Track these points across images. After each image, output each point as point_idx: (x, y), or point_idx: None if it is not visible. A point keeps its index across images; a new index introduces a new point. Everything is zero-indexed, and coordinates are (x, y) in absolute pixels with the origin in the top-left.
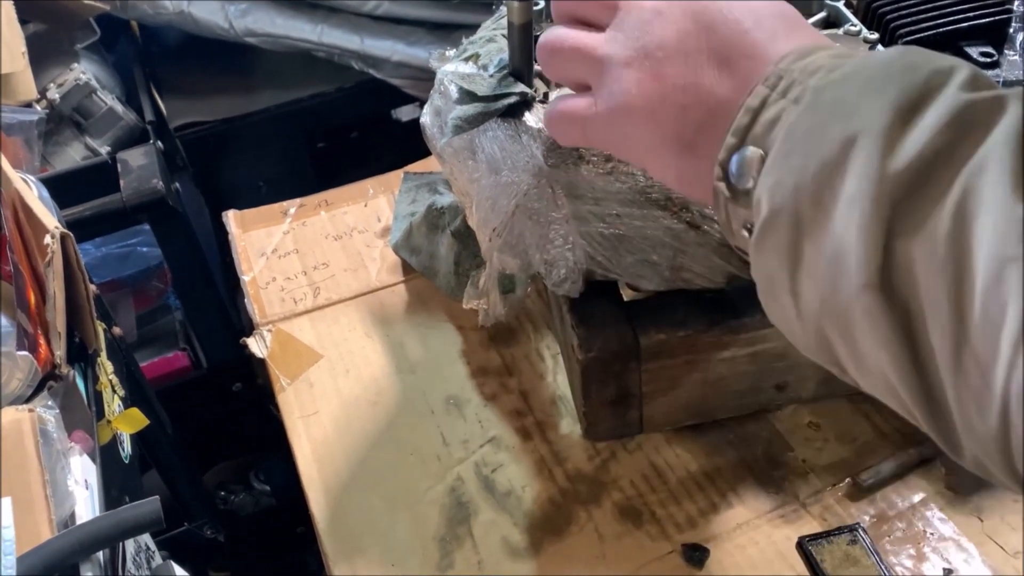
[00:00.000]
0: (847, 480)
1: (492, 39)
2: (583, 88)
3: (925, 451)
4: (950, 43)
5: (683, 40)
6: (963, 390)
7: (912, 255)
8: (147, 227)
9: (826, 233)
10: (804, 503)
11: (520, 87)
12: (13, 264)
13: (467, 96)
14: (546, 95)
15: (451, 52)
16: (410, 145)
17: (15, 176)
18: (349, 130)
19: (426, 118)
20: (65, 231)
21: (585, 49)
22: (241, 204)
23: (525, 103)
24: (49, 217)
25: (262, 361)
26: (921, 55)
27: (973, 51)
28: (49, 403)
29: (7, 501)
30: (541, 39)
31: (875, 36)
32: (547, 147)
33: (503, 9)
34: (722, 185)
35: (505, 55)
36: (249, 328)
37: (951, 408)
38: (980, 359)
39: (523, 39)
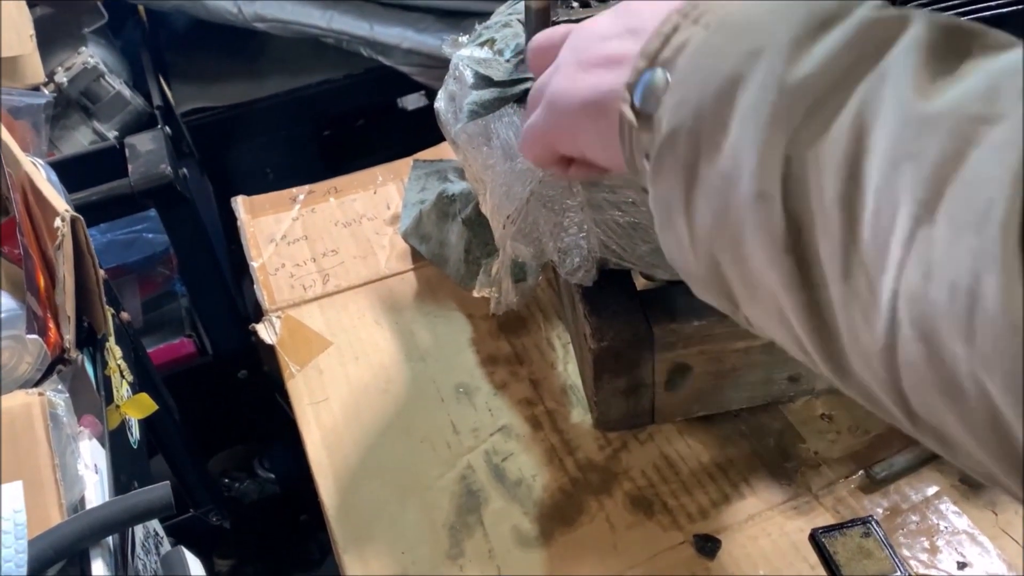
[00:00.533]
0: (860, 472)
1: (508, 24)
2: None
3: None
4: None
5: (604, 29)
6: (851, 301)
7: (806, 165)
8: (153, 213)
9: (723, 148)
10: (817, 495)
11: None
12: (23, 247)
13: (483, 81)
14: None
15: (464, 38)
16: (417, 133)
17: (25, 159)
18: (357, 117)
19: (440, 103)
20: (75, 214)
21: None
22: (247, 190)
23: None
24: (59, 200)
25: (270, 347)
26: None
27: None
28: (59, 387)
29: (18, 485)
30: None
31: None
32: None
33: None
34: (628, 110)
35: (521, 40)
36: (256, 315)
37: (839, 324)
38: (869, 266)
39: (541, 23)
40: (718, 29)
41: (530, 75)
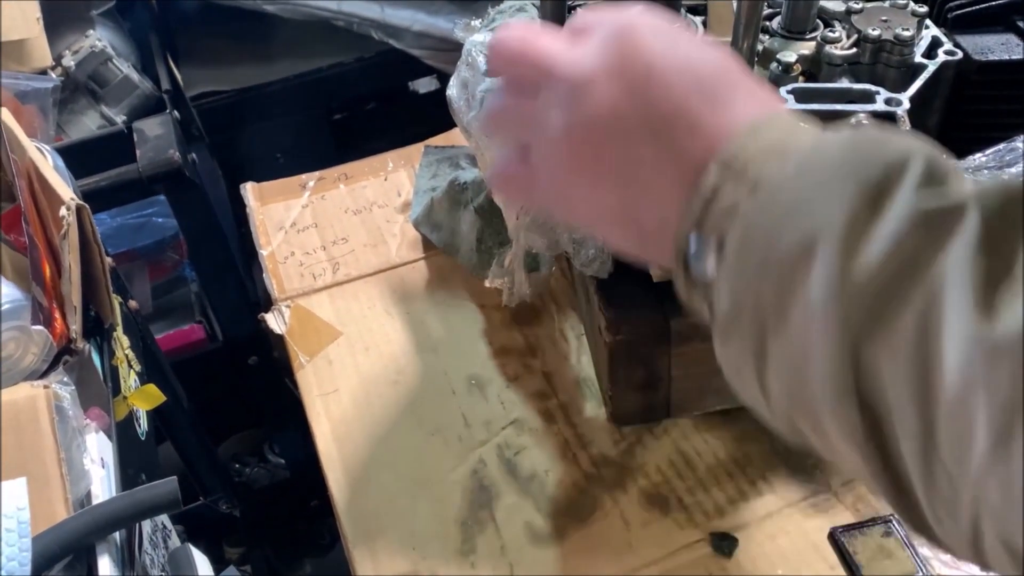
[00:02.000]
0: None
1: (522, 8)
2: (525, 147)
3: None
4: (1003, 16)
5: (618, 114)
6: (934, 495)
7: (878, 362)
8: (163, 197)
9: (790, 336)
10: (836, 492)
11: None
12: (28, 236)
13: None
14: None
15: (477, 22)
16: (429, 117)
17: (30, 145)
18: (368, 101)
19: (452, 90)
20: (81, 203)
21: (520, 116)
22: (258, 175)
23: None
24: (65, 188)
25: (280, 336)
26: (874, 144)
27: None
28: (65, 379)
29: (22, 481)
30: (484, 107)
31: (924, 10)
32: None
33: None
34: (680, 270)
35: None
36: (266, 301)
37: (923, 507)
38: (950, 471)
39: (556, 7)
40: (765, 206)
41: None
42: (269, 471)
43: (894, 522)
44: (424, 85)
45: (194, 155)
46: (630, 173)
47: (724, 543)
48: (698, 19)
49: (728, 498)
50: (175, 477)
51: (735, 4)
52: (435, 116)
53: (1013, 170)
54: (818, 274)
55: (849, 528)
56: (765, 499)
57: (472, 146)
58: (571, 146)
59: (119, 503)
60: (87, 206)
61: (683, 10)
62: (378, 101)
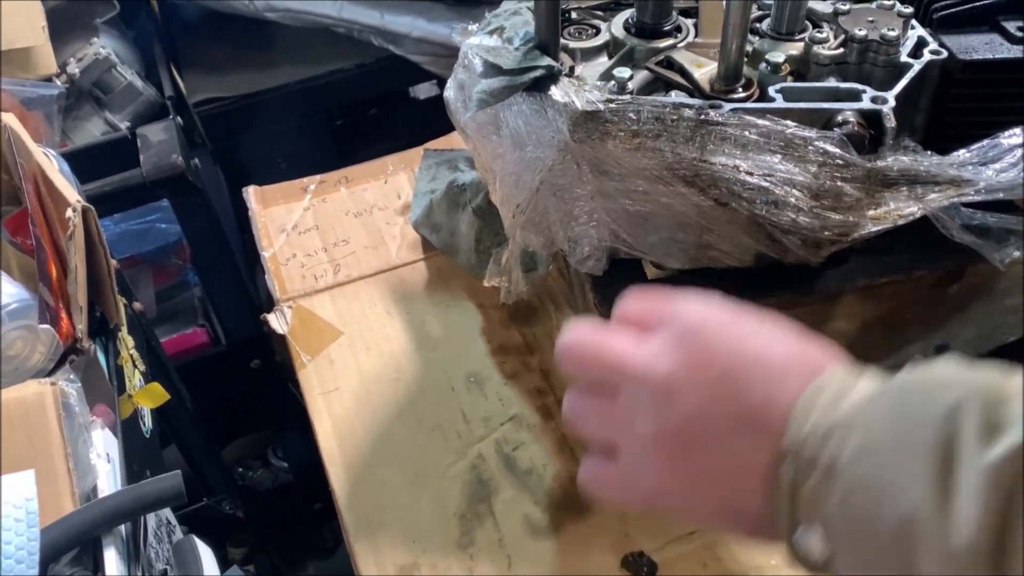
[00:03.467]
0: None
1: (517, 12)
2: (611, 446)
3: None
4: (987, 16)
5: (706, 415)
6: None
7: None
8: (166, 203)
9: None
10: None
11: (546, 60)
12: (35, 238)
13: (492, 69)
14: (572, 68)
15: (474, 27)
16: (429, 122)
17: (36, 150)
18: (369, 106)
19: (450, 92)
20: (87, 204)
21: (602, 417)
22: (260, 180)
23: (551, 76)
24: (71, 191)
25: (282, 337)
26: (921, 401)
27: (1010, 25)
28: (71, 377)
29: (30, 473)
30: (564, 404)
31: (910, 10)
32: (573, 121)
33: None
34: (791, 550)
35: (531, 28)
36: (268, 304)
37: None
38: None
39: (550, 12)
40: (846, 495)
41: (539, 63)
42: (273, 474)
43: None
44: (424, 91)
45: (197, 160)
46: (725, 469)
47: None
48: (689, 22)
49: None
50: (179, 471)
51: (724, 6)
52: (435, 121)
53: (997, 165)
54: (926, 554)
55: None
56: None
57: (469, 147)
58: (665, 451)
59: (125, 496)
60: (92, 208)
61: (675, 12)
62: (379, 106)
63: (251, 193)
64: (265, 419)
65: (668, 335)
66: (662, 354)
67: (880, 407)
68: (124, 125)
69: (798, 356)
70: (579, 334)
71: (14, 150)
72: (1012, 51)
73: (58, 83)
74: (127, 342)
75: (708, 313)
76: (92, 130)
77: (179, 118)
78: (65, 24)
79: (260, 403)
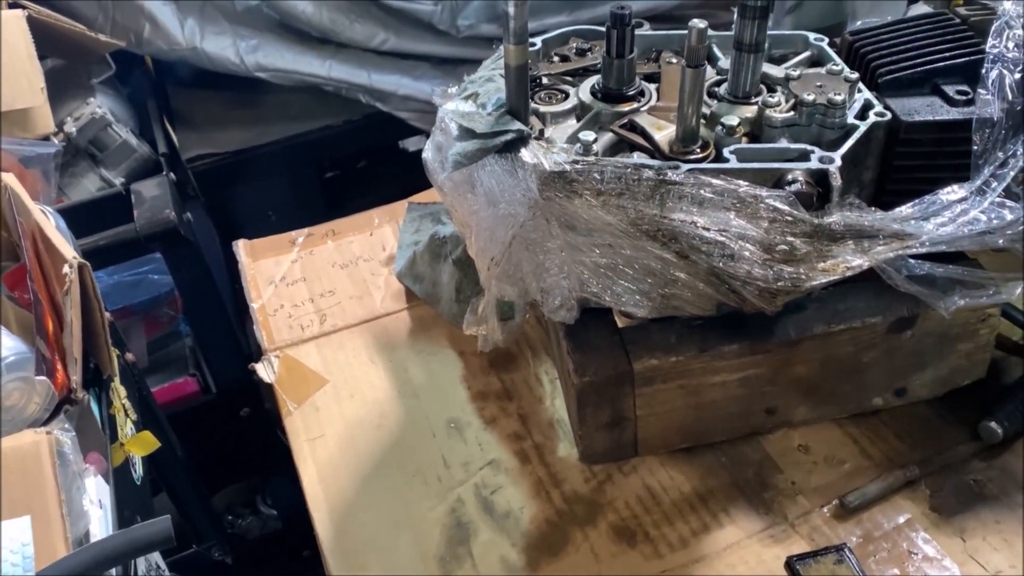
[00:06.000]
0: (835, 501)
1: (491, 79)
2: None
3: (910, 473)
4: (928, 80)
5: None
6: None
7: None
8: (159, 255)
9: None
10: (793, 523)
11: (517, 125)
12: (32, 292)
13: (466, 133)
14: (541, 131)
15: (453, 89)
16: (416, 174)
17: (34, 208)
18: (356, 160)
19: (428, 153)
20: (83, 261)
21: None
22: (251, 231)
23: (521, 139)
24: (67, 247)
25: (270, 386)
26: None
27: (949, 89)
28: (66, 426)
29: (26, 519)
30: None
31: (856, 76)
32: (542, 180)
33: (502, 49)
34: None
35: (502, 94)
36: (257, 353)
37: None
38: None
39: (519, 80)
40: None
41: (510, 127)
42: (261, 521)
43: (846, 550)
44: (414, 144)
45: (189, 214)
46: None
47: None
48: (652, 86)
49: (691, 530)
50: (168, 516)
51: (680, 74)
52: (422, 173)
53: (937, 220)
54: None
55: (803, 556)
56: (726, 531)
57: (447, 204)
58: None
59: (117, 540)
60: (88, 264)
61: (638, 78)
62: (367, 160)
63: (241, 247)
64: (254, 467)
65: None
66: None
67: None
68: (119, 181)
69: None
70: None
71: (13, 209)
72: (951, 113)
73: (55, 142)
74: (119, 392)
75: None
76: (88, 186)
77: (172, 173)
78: (62, 83)
79: (249, 451)
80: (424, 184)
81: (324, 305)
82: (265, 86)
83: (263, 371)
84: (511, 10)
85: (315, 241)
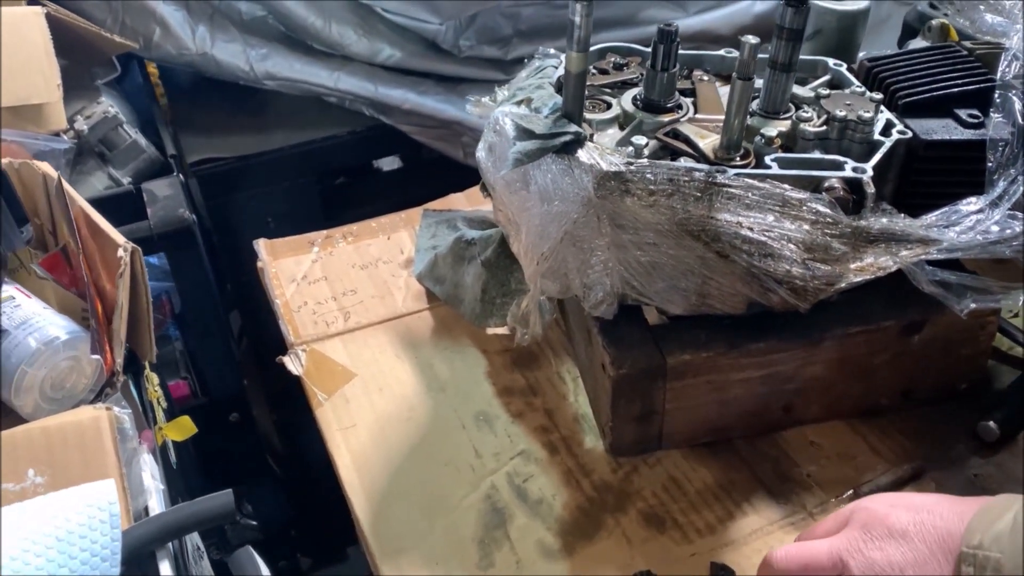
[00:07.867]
0: (849, 492)
1: (541, 86)
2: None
3: (917, 467)
4: (943, 106)
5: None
6: None
7: None
8: (150, 259)
9: None
10: (811, 512)
11: (574, 127)
12: (86, 277)
13: (526, 133)
14: (593, 135)
15: (487, 99)
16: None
17: (78, 196)
18: (358, 172)
19: (481, 153)
20: (135, 246)
21: None
22: (248, 237)
23: (578, 141)
24: (117, 233)
25: (264, 391)
26: None
27: (962, 113)
28: (123, 403)
29: (111, 482)
30: None
31: (879, 96)
32: (597, 180)
33: (536, 62)
34: None
35: (557, 100)
36: (254, 359)
37: None
38: None
39: (578, 86)
40: None
41: (568, 129)
42: (240, 532)
43: None
44: (388, 163)
45: (194, 216)
46: None
47: (722, 573)
48: (687, 100)
49: (717, 518)
50: (230, 490)
51: (729, 88)
52: (403, 191)
53: (957, 228)
54: None
55: None
56: (749, 519)
57: (495, 202)
58: None
59: (181, 512)
60: (139, 249)
61: (676, 92)
62: (365, 172)
63: (262, 245)
64: (234, 478)
65: (849, 529)
66: (847, 545)
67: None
68: (126, 180)
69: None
70: (786, 553)
71: (50, 195)
72: (965, 134)
73: (66, 138)
74: (152, 379)
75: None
76: (95, 184)
77: (182, 175)
78: (68, 83)
79: (235, 458)
80: (403, 202)
81: (347, 303)
82: (269, 94)
83: (291, 364)
84: (577, 19)
85: (332, 243)
